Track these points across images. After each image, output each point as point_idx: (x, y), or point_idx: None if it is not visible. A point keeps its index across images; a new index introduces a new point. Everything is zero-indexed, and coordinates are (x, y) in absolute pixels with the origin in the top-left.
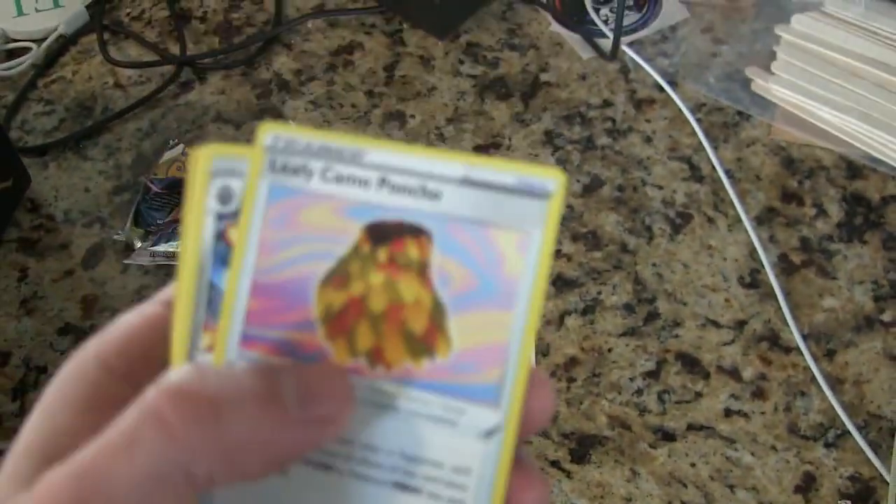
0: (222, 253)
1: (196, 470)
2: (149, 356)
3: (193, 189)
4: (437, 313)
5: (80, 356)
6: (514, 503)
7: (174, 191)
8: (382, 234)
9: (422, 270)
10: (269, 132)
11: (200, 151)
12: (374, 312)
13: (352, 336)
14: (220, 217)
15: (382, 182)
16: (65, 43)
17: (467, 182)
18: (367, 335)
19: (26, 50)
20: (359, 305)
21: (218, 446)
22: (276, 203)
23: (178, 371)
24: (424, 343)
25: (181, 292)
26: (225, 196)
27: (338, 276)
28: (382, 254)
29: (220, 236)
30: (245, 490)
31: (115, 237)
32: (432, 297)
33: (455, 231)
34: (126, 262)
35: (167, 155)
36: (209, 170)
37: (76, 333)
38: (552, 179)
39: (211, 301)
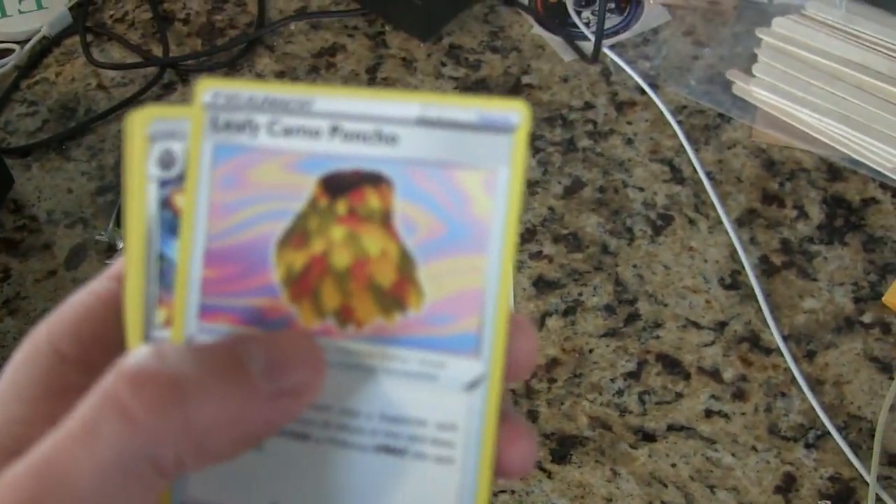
0: (169, 221)
1: (163, 457)
2: (103, 336)
3: (132, 155)
4: (405, 264)
5: (31, 341)
6: (500, 455)
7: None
8: (339, 185)
9: (385, 220)
10: (207, 88)
11: (136, 114)
12: (339, 269)
13: (317, 296)
14: (164, 183)
15: (334, 130)
16: (48, 44)
17: (424, 122)
18: (334, 294)
19: (9, 51)
20: (321, 263)
21: (184, 430)
22: (223, 163)
23: (136, 352)
24: (395, 297)
25: (130, 267)
26: (166, 160)
27: (296, 234)
28: (341, 206)
29: (166, 203)
30: (219, 469)
31: (98, 238)
32: (398, 247)
33: (416, 175)
34: (108, 262)
35: None
36: (147, 133)
37: None
38: (515, 112)
39: (163, 273)
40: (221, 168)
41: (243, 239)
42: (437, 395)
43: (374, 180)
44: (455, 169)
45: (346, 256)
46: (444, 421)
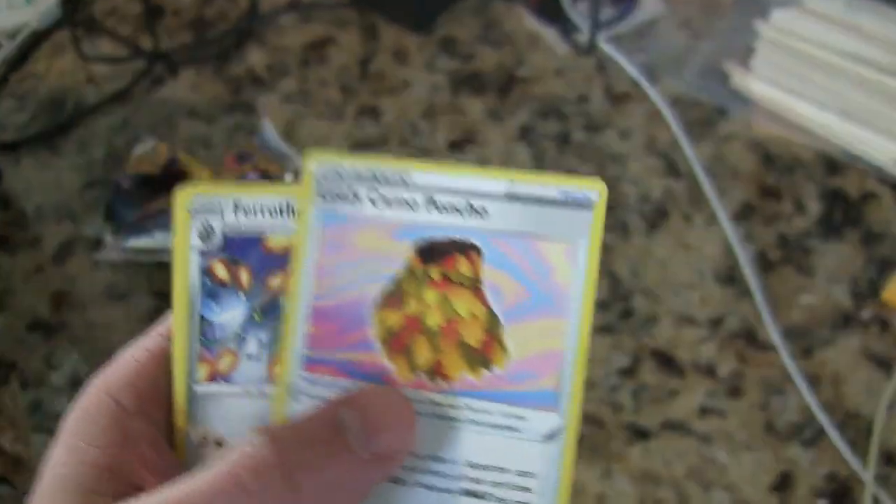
0: (209, 287)
1: None
2: (157, 389)
3: (177, 229)
4: (493, 325)
5: (93, 393)
6: None
7: (145, 186)
8: (433, 253)
9: (474, 286)
10: (315, 160)
11: (180, 192)
12: (431, 329)
13: (411, 353)
14: (203, 254)
15: (429, 202)
16: (37, 38)
17: (512, 197)
18: (426, 351)
19: None
20: (416, 323)
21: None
22: (328, 229)
23: (253, 440)
24: (482, 355)
25: (175, 329)
26: (205, 233)
27: (394, 296)
28: (435, 272)
29: (206, 272)
30: None
31: (86, 233)
32: (486, 310)
33: (503, 245)
34: (96, 257)
35: (138, 150)
36: (189, 209)
37: (46, 329)
38: (595, 190)
39: (203, 333)
40: (327, 233)
41: (345, 298)
42: (518, 445)
43: (465, 249)
44: (538, 240)
45: (439, 317)
46: (523, 468)
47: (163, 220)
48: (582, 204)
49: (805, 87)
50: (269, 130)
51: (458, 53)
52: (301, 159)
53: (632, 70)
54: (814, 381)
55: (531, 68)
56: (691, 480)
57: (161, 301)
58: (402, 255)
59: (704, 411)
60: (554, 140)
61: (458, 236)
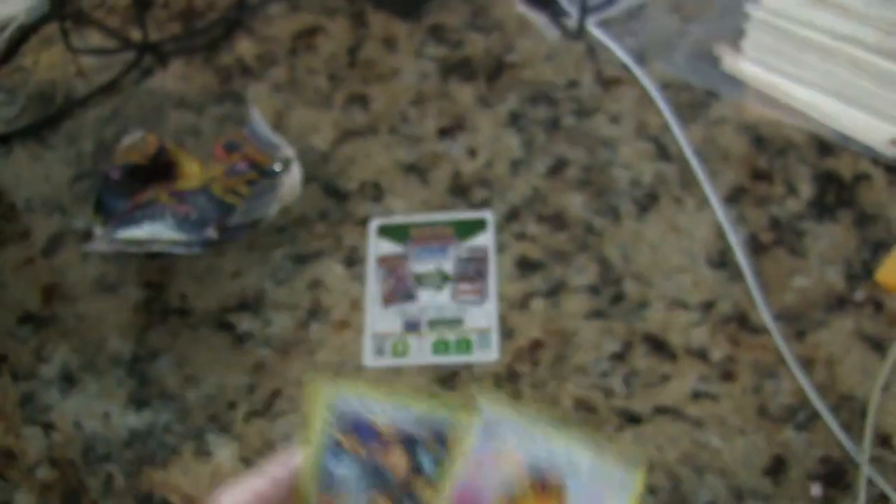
0: (333, 447)
1: None
2: None
3: (315, 411)
4: None
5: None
6: None
7: (133, 177)
8: (542, 483)
9: None
10: (485, 407)
11: (320, 389)
12: None
13: None
14: (332, 424)
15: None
16: (26, 32)
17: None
18: None
19: None
20: None
21: None
22: (480, 453)
23: None
24: None
25: (305, 473)
26: (338, 415)
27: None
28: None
29: (332, 438)
30: None
31: (76, 225)
32: None
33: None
34: (85, 249)
35: (126, 141)
36: (326, 399)
37: (36, 322)
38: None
39: (323, 481)
40: (478, 455)
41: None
42: None
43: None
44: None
45: None
46: None
47: (151, 210)
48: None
49: (796, 68)
50: (258, 120)
51: (447, 40)
52: (290, 149)
53: (622, 54)
54: (807, 363)
55: (520, 54)
56: (684, 465)
57: (150, 291)
58: (523, 478)
59: (697, 396)
60: (544, 125)
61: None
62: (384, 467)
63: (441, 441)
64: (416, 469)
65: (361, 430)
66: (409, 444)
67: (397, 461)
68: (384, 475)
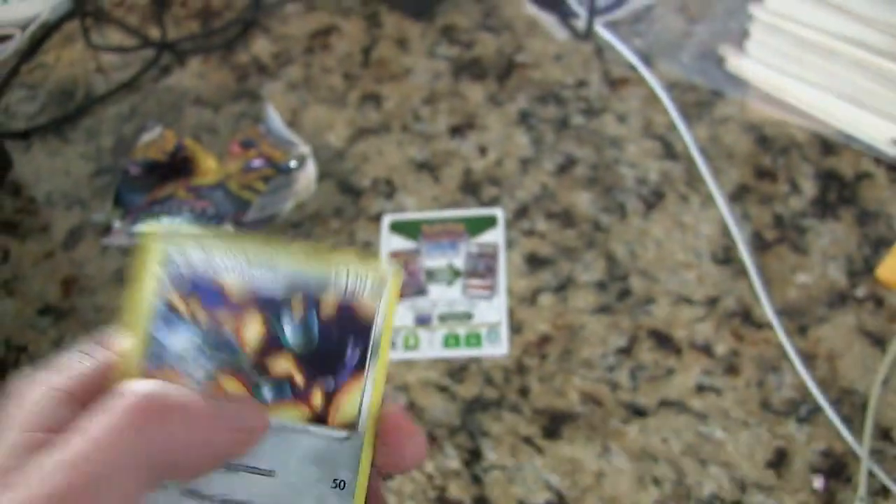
0: (163, 313)
1: (156, 462)
2: (93, 394)
3: (145, 257)
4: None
5: (34, 387)
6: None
7: (152, 172)
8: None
9: None
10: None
11: (150, 235)
12: None
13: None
14: (165, 283)
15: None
16: (48, 29)
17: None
18: None
19: (10, 37)
20: None
21: (175, 443)
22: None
23: (145, 382)
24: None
25: (130, 342)
26: (173, 269)
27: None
28: None
29: (164, 299)
30: None
31: (96, 219)
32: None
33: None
34: (104, 242)
35: (145, 137)
36: (165, 261)
37: (56, 314)
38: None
39: (152, 352)
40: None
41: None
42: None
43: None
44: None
45: None
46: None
47: (170, 205)
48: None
49: (799, 69)
50: (274, 117)
51: (459, 40)
52: (305, 146)
53: (629, 55)
54: (809, 358)
55: (530, 54)
56: (688, 457)
57: None
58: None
59: (701, 389)
60: (552, 124)
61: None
62: (232, 338)
63: (312, 305)
64: (275, 341)
65: (204, 292)
66: (269, 309)
67: (250, 331)
68: (232, 348)
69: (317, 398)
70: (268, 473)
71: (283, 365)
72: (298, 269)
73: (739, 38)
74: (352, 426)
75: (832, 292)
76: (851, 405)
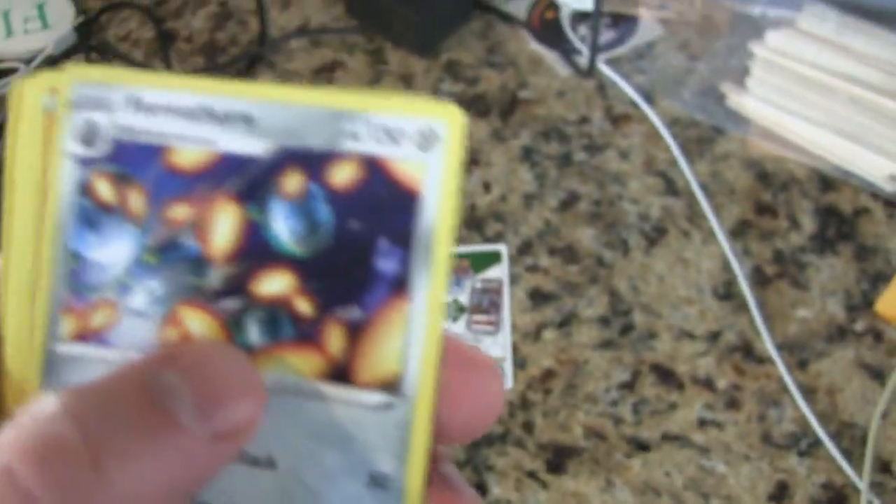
0: (85, 210)
1: None
2: None
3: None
4: None
5: None
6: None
7: None
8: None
9: None
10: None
11: (57, 74)
12: None
13: None
14: (82, 163)
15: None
16: (53, 63)
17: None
18: None
19: (14, 70)
20: None
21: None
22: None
23: (35, 413)
24: None
25: (25, 261)
26: (88, 135)
27: None
28: None
29: (83, 189)
30: None
31: None
32: None
33: None
34: None
35: None
36: (69, 98)
37: None
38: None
39: (73, 274)
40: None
41: None
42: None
43: None
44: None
45: None
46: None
47: None
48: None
49: (799, 106)
50: None
51: (463, 76)
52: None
53: (631, 91)
54: (809, 392)
55: (533, 90)
56: (691, 491)
57: None
58: None
59: (703, 423)
60: (556, 160)
61: None
62: (192, 242)
63: (317, 178)
64: (260, 242)
65: (142, 169)
66: (248, 189)
67: (220, 228)
68: (193, 258)
69: (334, 338)
70: (264, 464)
71: (276, 283)
72: (291, 120)
73: (740, 76)
74: (393, 386)
75: (832, 327)
76: (851, 438)
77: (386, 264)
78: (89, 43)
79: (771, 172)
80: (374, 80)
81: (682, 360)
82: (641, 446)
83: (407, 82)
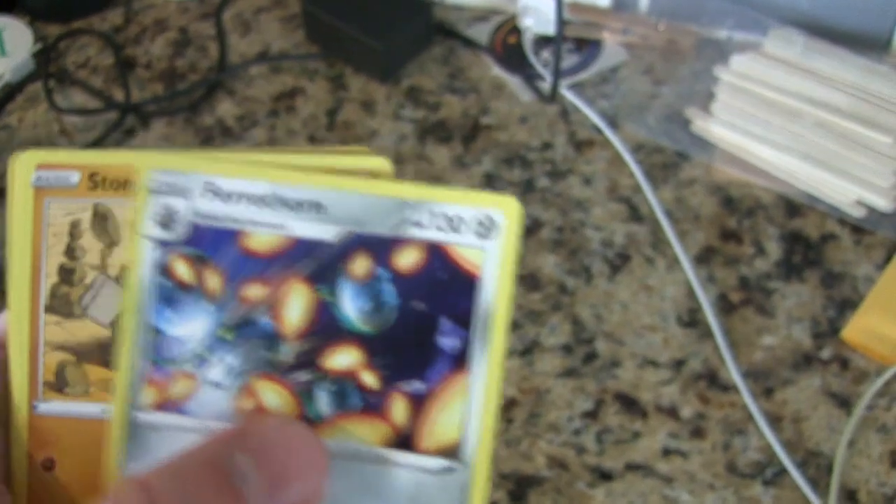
0: (166, 290)
1: None
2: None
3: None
4: None
5: None
6: None
7: None
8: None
9: None
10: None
11: (139, 161)
12: None
13: None
14: (163, 245)
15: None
16: (11, 91)
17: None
18: None
19: None
20: None
21: None
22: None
23: (122, 491)
24: None
25: (121, 337)
26: (167, 219)
27: None
28: None
29: (164, 270)
30: None
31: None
32: None
33: None
34: None
35: None
36: (148, 185)
37: None
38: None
39: (155, 348)
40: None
41: None
42: None
43: None
44: None
45: None
46: None
47: None
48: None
49: (765, 130)
50: None
51: (424, 102)
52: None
53: (594, 117)
54: (775, 420)
55: (496, 116)
56: None
57: None
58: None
59: (667, 452)
60: (518, 187)
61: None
62: (267, 320)
63: (383, 262)
64: (330, 320)
65: (219, 251)
66: (318, 271)
67: (292, 307)
68: (267, 334)
69: (398, 409)
70: None
71: (344, 357)
72: (359, 208)
73: (705, 100)
74: (453, 452)
75: (797, 354)
76: (817, 467)
77: (447, 342)
78: (47, 70)
79: (736, 198)
80: (335, 106)
81: (645, 388)
82: (605, 476)
83: (368, 109)
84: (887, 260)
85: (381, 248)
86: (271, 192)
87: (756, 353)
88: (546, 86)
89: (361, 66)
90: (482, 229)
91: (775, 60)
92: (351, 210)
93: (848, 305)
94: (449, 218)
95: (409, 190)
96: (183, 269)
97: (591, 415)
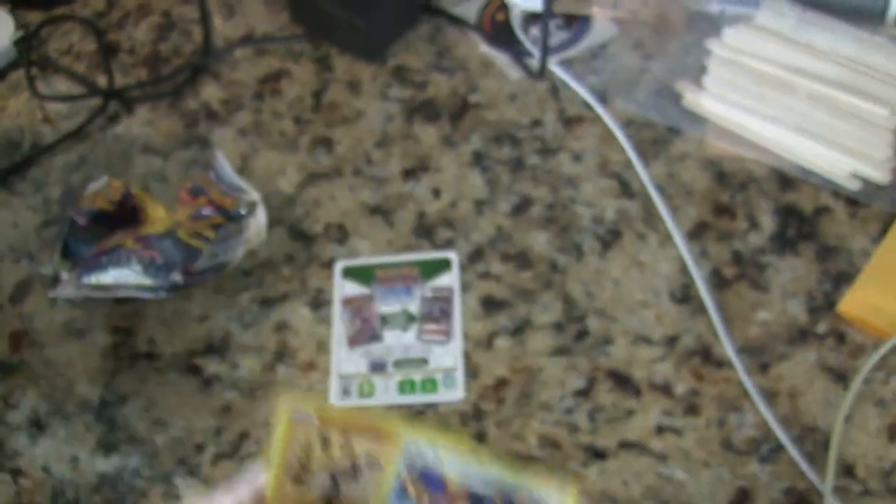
0: (400, 496)
1: None
2: None
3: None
4: None
5: None
6: None
7: (100, 222)
8: None
9: None
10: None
11: (395, 431)
12: None
13: None
14: (404, 472)
15: None
16: None
17: None
18: None
19: None
20: None
21: None
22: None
23: None
24: None
25: None
26: (410, 462)
27: None
28: None
29: (402, 485)
30: None
31: (43, 271)
32: None
33: None
34: (52, 294)
35: (92, 187)
36: (402, 446)
37: (4, 368)
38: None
39: None
40: None
41: None
42: None
43: None
44: None
45: None
46: None
47: (117, 255)
48: None
49: (757, 103)
50: (223, 164)
51: (411, 81)
52: (255, 192)
53: (584, 93)
54: (770, 396)
55: (484, 94)
56: (649, 500)
57: (118, 336)
58: None
59: (661, 430)
60: (507, 165)
61: None
62: None
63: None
64: None
65: (429, 480)
66: (476, 502)
67: None
68: None
69: None
70: None
71: None
72: (499, 473)
73: (696, 74)
74: None
75: (793, 329)
76: (814, 442)
77: None
78: (29, 58)
79: (729, 172)
80: (321, 88)
81: (638, 365)
82: (598, 454)
83: (354, 89)
84: (883, 232)
85: (508, 501)
86: (463, 460)
87: (750, 328)
88: (535, 63)
89: (347, 47)
90: (557, 502)
91: (768, 32)
92: (496, 476)
93: (843, 279)
94: (543, 494)
95: (527, 474)
96: (409, 484)
97: (584, 393)
